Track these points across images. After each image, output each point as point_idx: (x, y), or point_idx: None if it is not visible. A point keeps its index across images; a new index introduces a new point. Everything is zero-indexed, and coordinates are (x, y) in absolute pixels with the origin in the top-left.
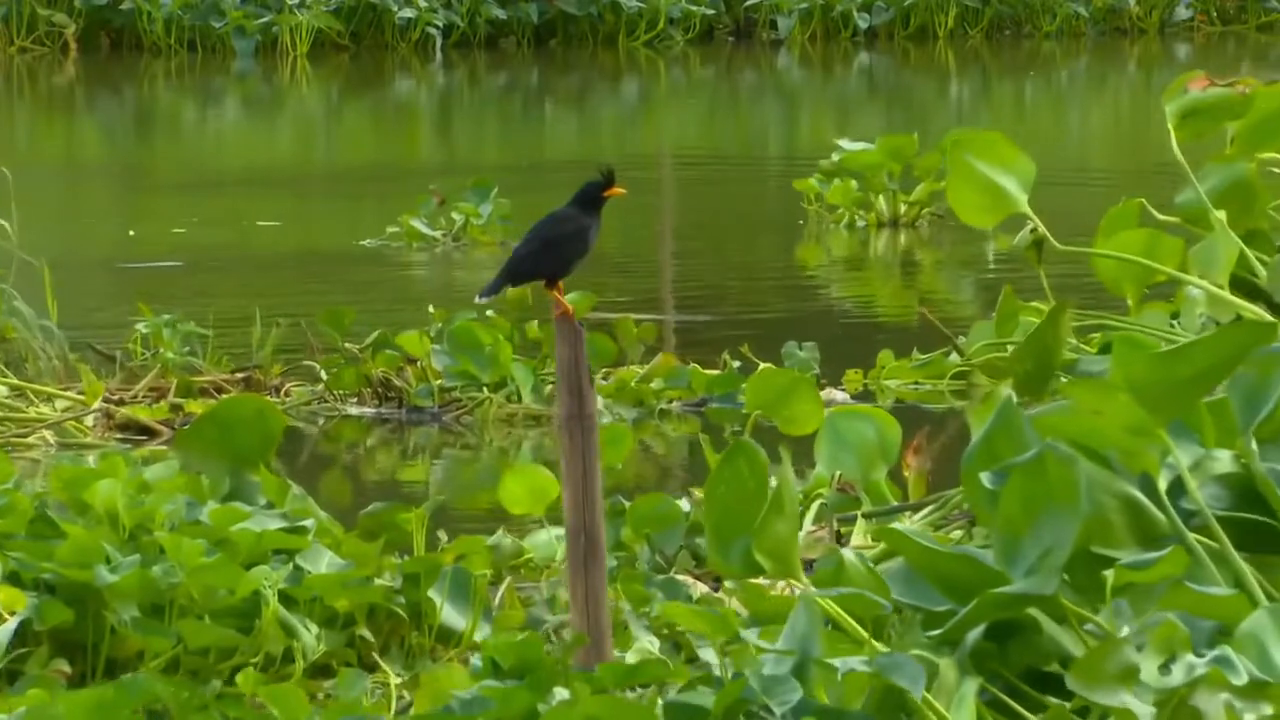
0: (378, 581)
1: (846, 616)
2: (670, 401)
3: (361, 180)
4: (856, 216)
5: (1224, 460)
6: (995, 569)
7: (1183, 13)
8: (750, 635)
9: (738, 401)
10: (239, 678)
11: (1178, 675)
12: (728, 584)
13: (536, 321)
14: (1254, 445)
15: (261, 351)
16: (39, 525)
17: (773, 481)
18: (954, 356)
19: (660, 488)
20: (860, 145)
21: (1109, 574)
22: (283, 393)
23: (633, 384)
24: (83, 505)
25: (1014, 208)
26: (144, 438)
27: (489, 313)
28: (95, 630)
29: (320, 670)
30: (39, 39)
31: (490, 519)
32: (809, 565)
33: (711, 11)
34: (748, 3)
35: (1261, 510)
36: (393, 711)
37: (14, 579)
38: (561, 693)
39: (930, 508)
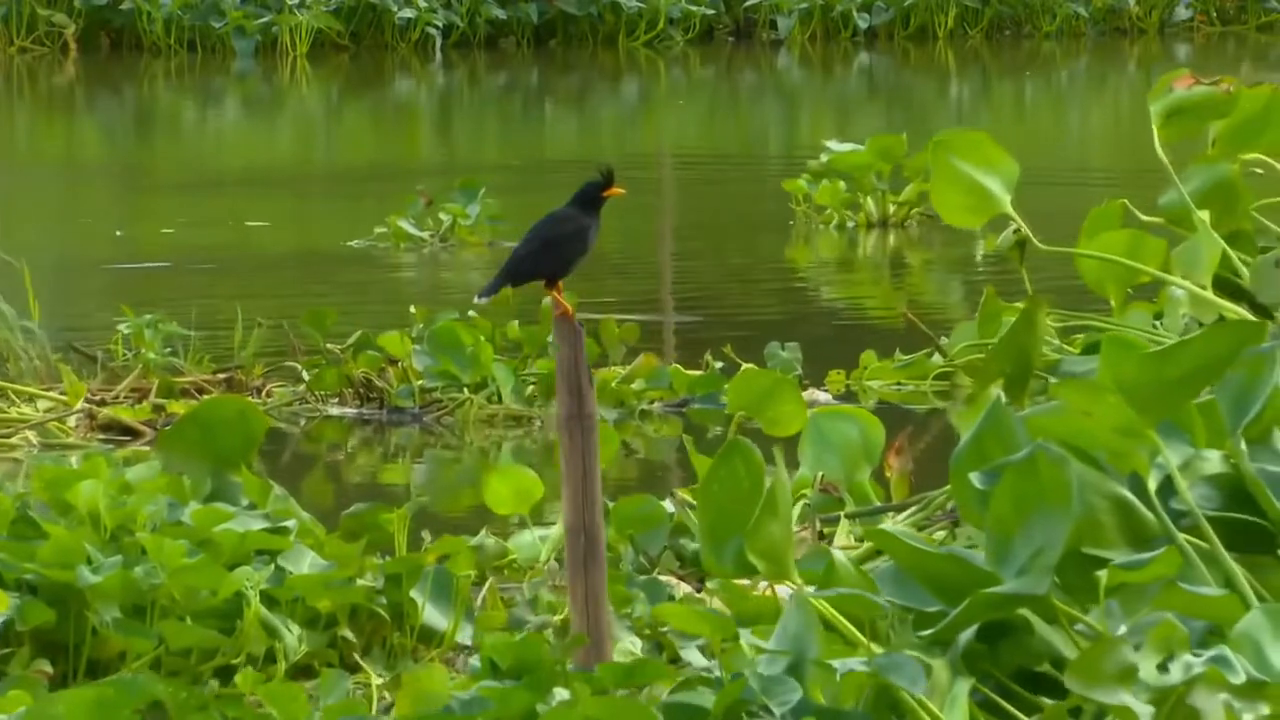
0: (360, 582)
1: (840, 617)
2: (651, 402)
3: (360, 180)
4: (846, 218)
5: (1213, 460)
6: (985, 569)
7: (1183, 13)
8: (749, 636)
9: (719, 402)
10: (238, 677)
11: (1175, 674)
12: (709, 584)
13: (517, 322)
14: (1243, 445)
15: (244, 352)
16: (21, 526)
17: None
18: (937, 357)
19: (642, 488)
20: (848, 146)
21: (1102, 574)
22: (265, 393)
23: (614, 384)
24: (65, 506)
25: (998, 208)
26: (126, 438)
27: (470, 313)
28: (77, 631)
29: (302, 671)
30: (39, 39)
31: (472, 519)
32: None
33: (711, 11)
34: (748, 3)
35: (1251, 510)
36: (374, 712)
37: None
38: (561, 693)
39: (913, 508)
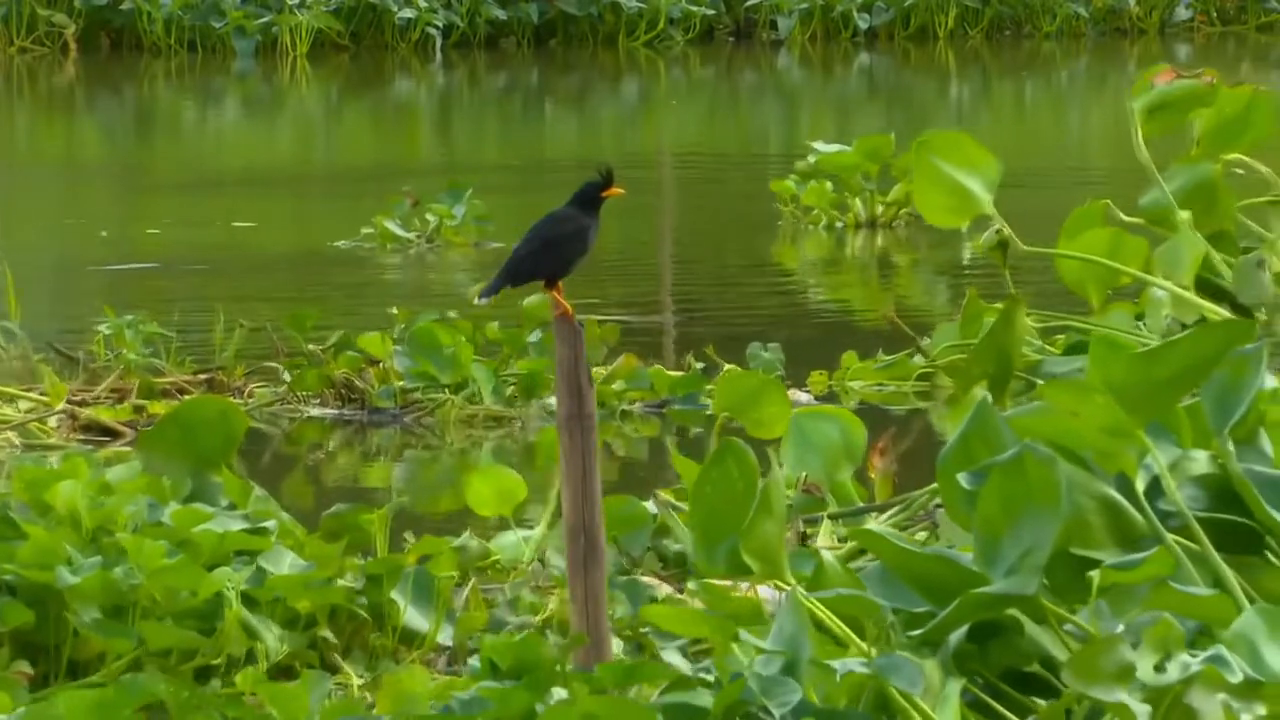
0: (340, 583)
1: (833, 618)
2: (632, 403)
3: (359, 180)
4: (834, 218)
5: (1200, 461)
6: (973, 570)
7: (1183, 13)
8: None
9: (700, 403)
10: (238, 677)
11: (1173, 673)
12: (690, 585)
13: (496, 323)
14: (1230, 446)
15: (225, 353)
16: (0, 526)
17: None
18: (918, 358)
19: (623, 489)
20: (835, 147)
21: (1095, 574)
22: (245, 394)
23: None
24: (45, 506)
25: (980, 209)
26: (107, 439)
27: (451, 313)
28: (57, 632)
29: (282, 672)
30: (39, 39)
31: (452, 520)
32: None
33: (711, 12)
34: (748, 3)
35: (1238, 510)
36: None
37: None
38: (560, 693)
39: (895, 509)
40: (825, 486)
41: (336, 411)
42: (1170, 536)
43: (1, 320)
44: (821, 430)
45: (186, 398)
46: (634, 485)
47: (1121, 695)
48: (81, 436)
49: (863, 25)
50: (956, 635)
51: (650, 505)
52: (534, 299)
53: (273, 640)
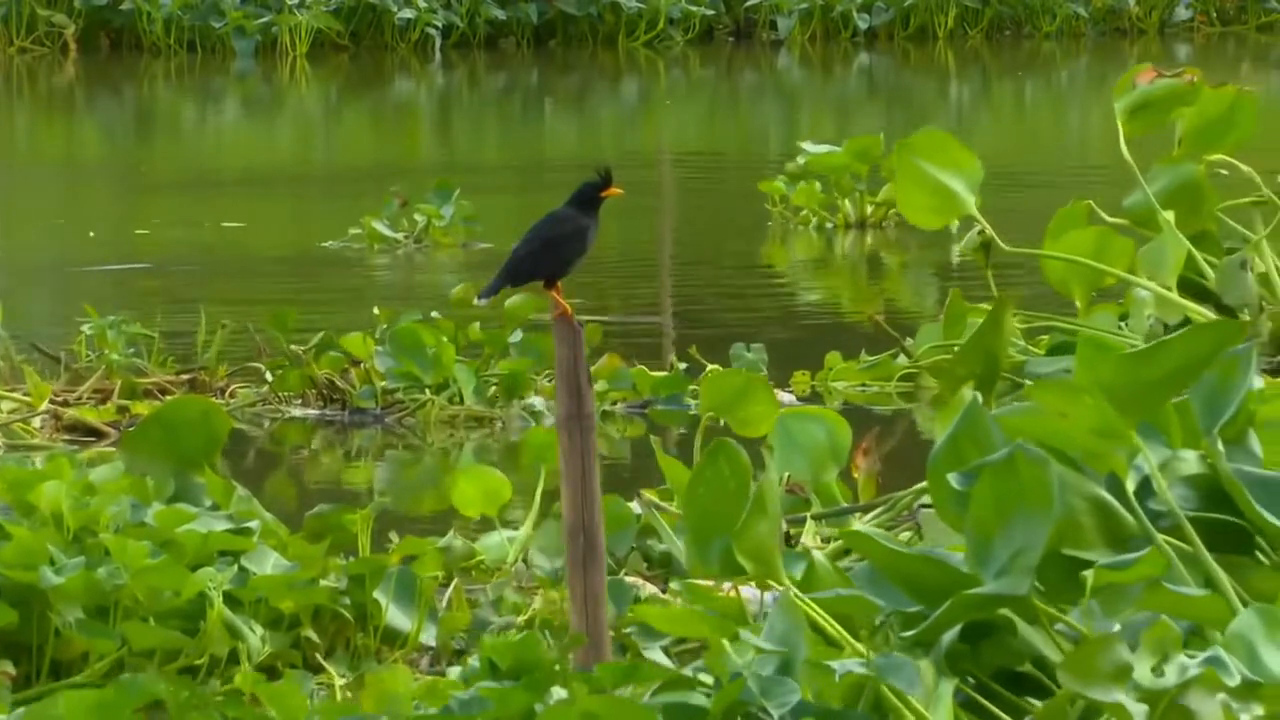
0: (323, 583)
1: (828, 618)
2: (615, 403)
3: (358, 180)
4: (824, 219)
5: (1190, 461)
6: (963, 570)
7: (1183, 13)
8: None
9: (683, 403)
10: (238, 677)
11: (1171, 675)
12: (673, 585)
13: (479, 324)
14: (1220, 446)
15: (207, 354)
16: None
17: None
18: (902, 359)
19: (607, 490)
20: (824, 147)
21: (1088, 575)
22: (228, 395)
23: None
24: (28, 507)
25: (963, 210)
26: (91, 439)
27: (434, 313)
28: (40, 632)
29: (265, 672)
30: (39, 39)
31: (435, 520)
32: None
33: (711, 12)
34: (748, 3)
35: (1228, 510)
36: None
37: None
38: (559, 693)
39: (879, 509)
40: (810, 487)
41: (318, 412)
42: (1161, 537)
43: None
44: (807, 431)
45: (169, 398)
46: (618, 486)
47: (1118, 695)
48: (65, 437)
49: (862, 25)
50: (949, 635)
51: (635, 506)
52: (516, 300)
53: (256, 640)
